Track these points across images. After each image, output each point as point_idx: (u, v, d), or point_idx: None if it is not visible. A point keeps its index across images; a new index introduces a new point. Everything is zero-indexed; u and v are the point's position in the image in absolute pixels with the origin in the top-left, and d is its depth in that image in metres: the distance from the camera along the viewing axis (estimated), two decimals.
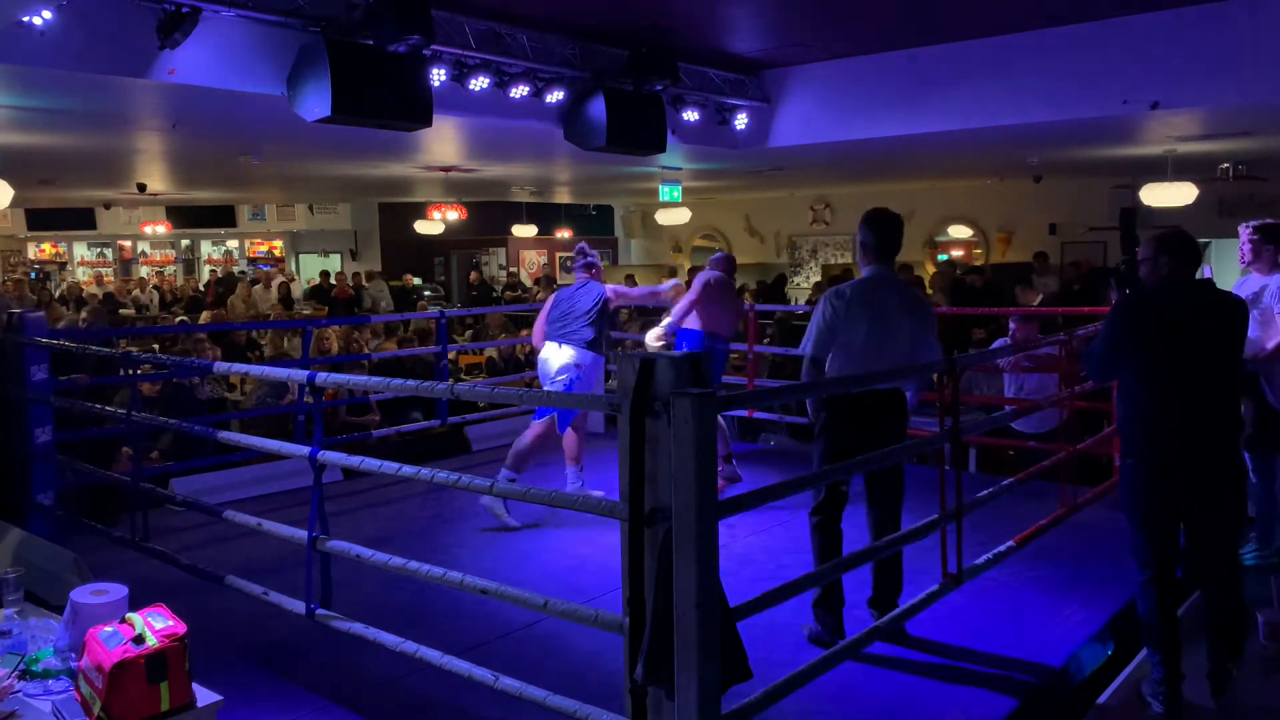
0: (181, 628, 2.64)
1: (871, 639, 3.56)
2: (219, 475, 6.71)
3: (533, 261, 20.27)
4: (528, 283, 18.38)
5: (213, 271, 21.81)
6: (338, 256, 21.31)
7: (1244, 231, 5.13)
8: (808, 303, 14.95)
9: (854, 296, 4.25)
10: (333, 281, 17.66)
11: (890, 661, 4.03)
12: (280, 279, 18.39)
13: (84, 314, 11.78)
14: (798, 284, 17.81)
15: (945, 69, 7.93)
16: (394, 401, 8.13)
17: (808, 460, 4.75)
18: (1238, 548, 4.37)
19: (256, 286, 17.74)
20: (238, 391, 8.96)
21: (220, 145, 9.47)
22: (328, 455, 3.98)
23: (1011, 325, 7.29)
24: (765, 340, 9.94)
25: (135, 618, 2.65)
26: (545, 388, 6.14)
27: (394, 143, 8.59)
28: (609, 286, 6.30)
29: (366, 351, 9.16)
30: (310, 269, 20.53)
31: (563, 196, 18.27)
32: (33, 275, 21.21)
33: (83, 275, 22.39)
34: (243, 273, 20.31)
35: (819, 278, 17.19)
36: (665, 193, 13.19)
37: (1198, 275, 3.89)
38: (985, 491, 4.48)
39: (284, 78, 6.05)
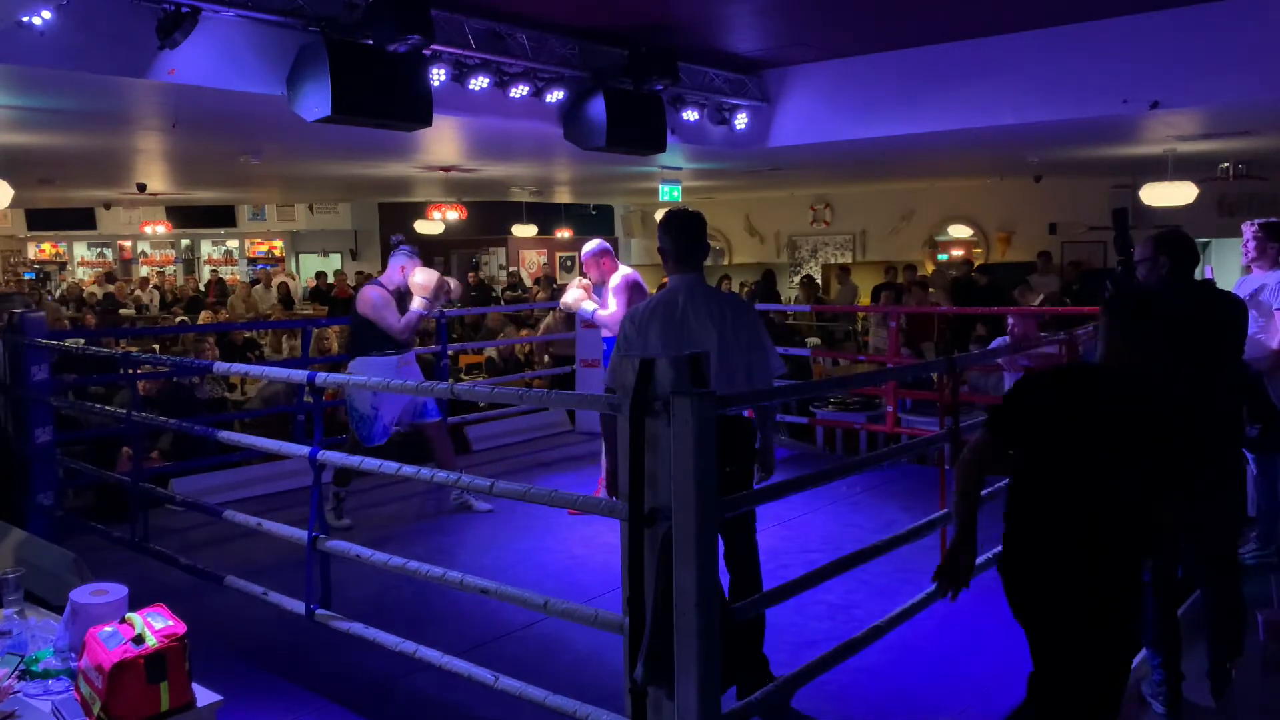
0: (181, 628, 2.63)
1: (870, 640, 3.56)
2: (219, 475, 6.70)
3: (533, 261, 20.27)
4: (528, 282, 18.38)
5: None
6: (338, 256, 21.32)
7: (1248, 229, 5.14)
8: (795, 301, 14.98)
9: (647, 316, 3.74)
10: (330, 282, 17.65)
11: (890, 662, 4.03)
12: (281, 278, 18.38)
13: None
14: (797, 283, 17.82)
15: (945, 69, 7.93)
16: None
17: (808, 460, 4.75)
18: (1237, 547, 4.37)
19: (257, 286, 17.74)
20: (238, 391, 8.97)
21: (220, 145, 9.47)
22: (328, 455, 3.99)
23: (1010, 321, 7.31)
24: None
25: (135, 618, 2.65)
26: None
27: (394, 143, 8.59)
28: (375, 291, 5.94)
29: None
30: (310, 269, 20.53)
31: (563, 196, 18.27)
32: (30, 275, 21.23)
33: (84, 275, 22.39)
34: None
35: (817, 278, 17.19)
36: (665, 193, 13.19)
37: (1198, 275, 3.90)
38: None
39: (284, 78, 6.05)
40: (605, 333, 6.22)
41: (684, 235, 3.82)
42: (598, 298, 6.29)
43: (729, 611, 2.77)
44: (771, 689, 3.10)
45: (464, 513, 6.26)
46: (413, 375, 6.09)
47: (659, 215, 17.12)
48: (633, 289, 6.16)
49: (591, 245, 6.35)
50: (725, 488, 2.88)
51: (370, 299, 5.87)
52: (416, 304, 5.91)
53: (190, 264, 22.95)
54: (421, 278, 5.94)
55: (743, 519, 3.74)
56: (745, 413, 3.83)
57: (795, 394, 8.04)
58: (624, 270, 6.29)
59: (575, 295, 6.25)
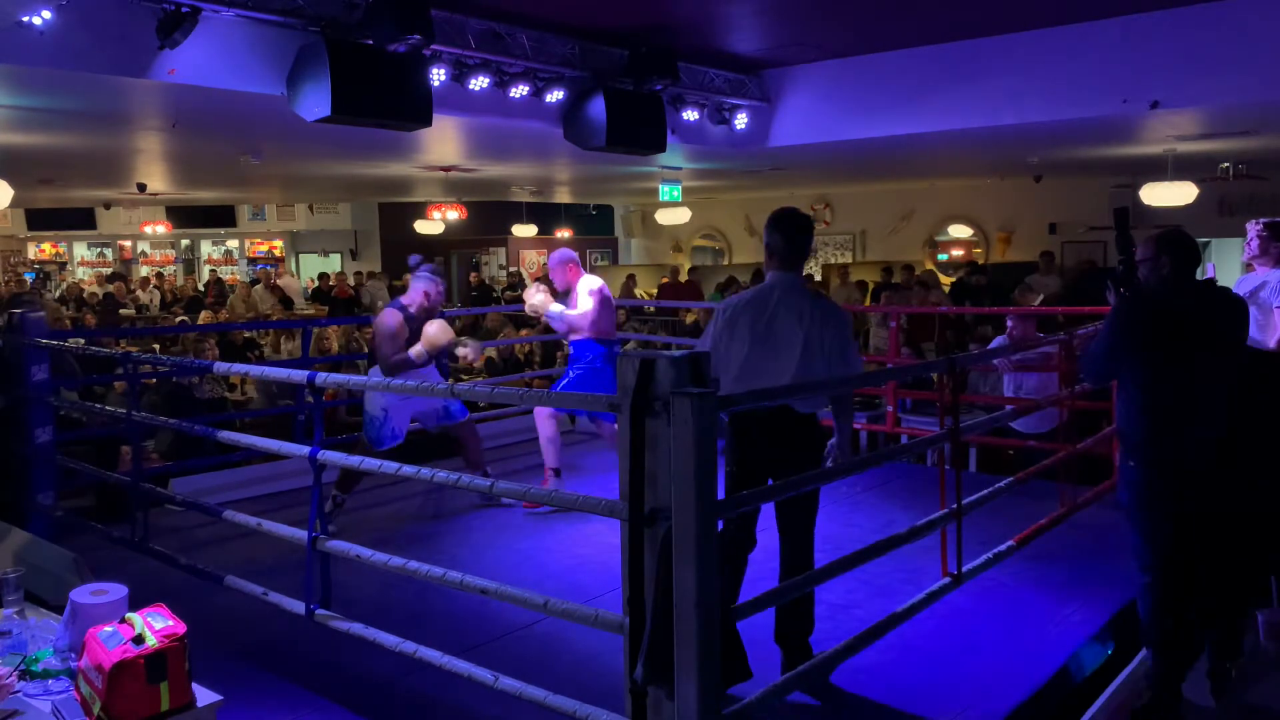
0: (181, 628, 2.64)
1: (866, 642, 3.56)
2: (219, 475, 6.70)
3: (533, 261, 20.28)
4: (529, 282, 18.37)
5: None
6: (338, 256, 21.31)
7: (1252, 227, 5.15)
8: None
9: (741, 307, 3.92)
10: (331, 283, 17.65)
11: (890, 662, 4.03)
12: (288, 277, 18.33)
13: None
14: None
15: (945, 69, 7.93)
16: None
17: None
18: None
19: (257, 287, 17.74)
20: (238, 391, 8.97)
21: (220, 145, 9.48)
22: (328, 455, 3.98)
23: (1009, 323, 7.31)
24: None
25: (135, 618, 2.65)
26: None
27: (394, 143, 8.59)
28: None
29: (366, 351, 9.16)
30: (310, 269, 20.53)
31: (563, 196, 18.27)
32: (30, 276, 21.23)
33: (85, 275, 22.39)
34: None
35: (818, 277, 17.18)
36: (665, 193, 13.19)
37: (1199, 275, 3.90)
38: (985, 491, 4.48)
39: (284, 78, 6.05)
40: (575, 336, 6.20)
41: (794, 234, 3.95)
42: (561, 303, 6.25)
43: (728, 611, 2.77)
44: (772, 688, 3.09)
45: (492, 508, 6.22)
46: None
47: (659, 215, 17.16)
48: (604, 296, 6.13)
49: (560, 252, 6.34)
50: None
51: (382, 324, 5.65)
52: (415, 351, 5.59)
53: (190, 264, 22.95)
54: (435, 330, 5.67)
55: (808, 507, 3.91)
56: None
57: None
58: (592, 279, 6.25)
59: (541, 298, 6.22)
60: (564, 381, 6.31)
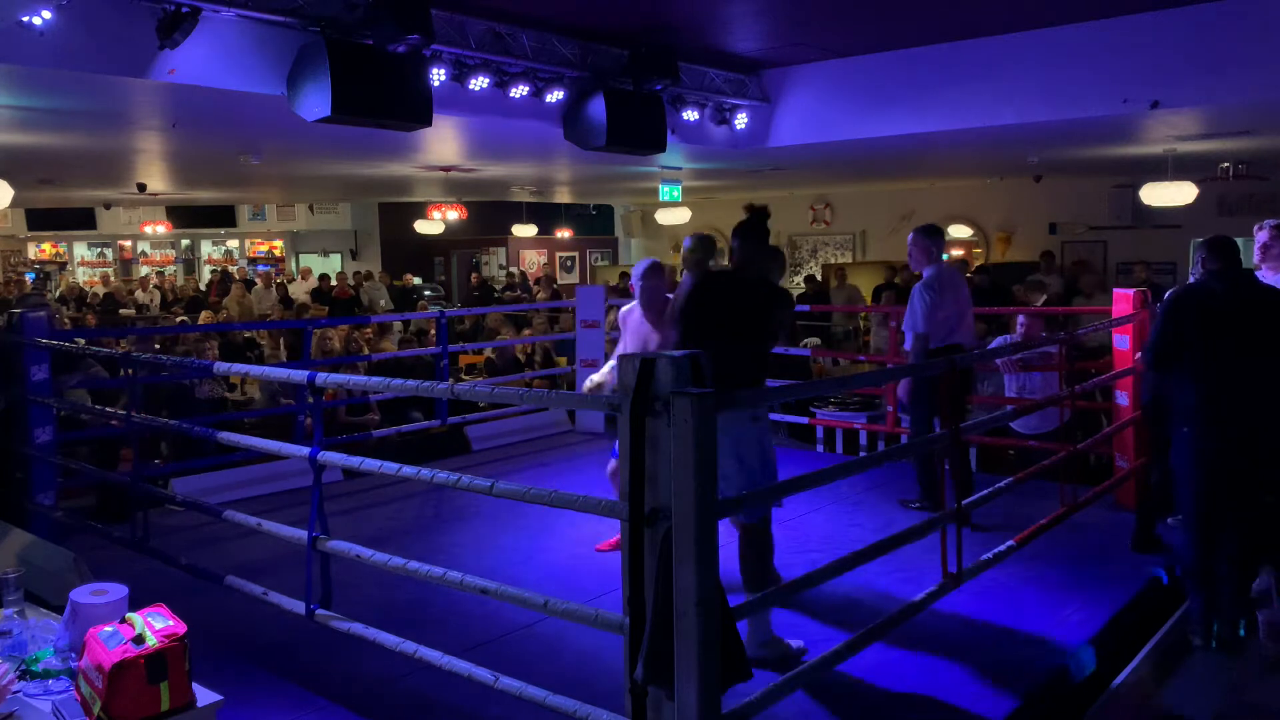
0: (181, 628, 2.64)
1: (866, 642, 3.56)
2: (219, 475, 6.71)
3: (533, 261, 20.27)
4: (531, 285, 18.36)
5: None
6: (338, 256, 21.30)
7: (1267, 226, 5.17)
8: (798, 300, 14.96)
9: (941, 285, 5.86)
10: (332, 283, 17.65)
11: (890, 661, 4.03)
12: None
13: None
14: (797, 284, 17.81)
15: (945, 69, 7.92)
16: (394, 401, 8.14)
17: (807, 459, 4.75)
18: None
19: (256, 286, 17.72)
20: (238, 391, 8.97)
21: (220, 145, 9.47)
22: (328, 455, 3.98)
23: (1020, 320, 7.32)
24: None
25: (135, 618, 2.65)
26: None
27: (394, 143, 8.58)
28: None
29: (366, 351, 9.17)
30: (310, 269, 20.49)
31: (563, 196, 18.27)
32: (31, 276, 21.23)
33: (84, 275, 22.38)
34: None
35: (818, 278, 17.17)
36: (665, 192, 13.19)
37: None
38: (985, 491, 4.48)
39: (284, 78, 6.05)
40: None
41: (942, 238, 6.27)
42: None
43: (728, 611, 2.77)
44: (772, 688, 3.09)
45: (492, 508, 5.84)
46: None
47: (659, 215, 17.17)
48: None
49: (651, 262, 5.63)
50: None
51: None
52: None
53: (190, 264, 22.94)
54: None
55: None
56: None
57: (795, 394, 8.04)
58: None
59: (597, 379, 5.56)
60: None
